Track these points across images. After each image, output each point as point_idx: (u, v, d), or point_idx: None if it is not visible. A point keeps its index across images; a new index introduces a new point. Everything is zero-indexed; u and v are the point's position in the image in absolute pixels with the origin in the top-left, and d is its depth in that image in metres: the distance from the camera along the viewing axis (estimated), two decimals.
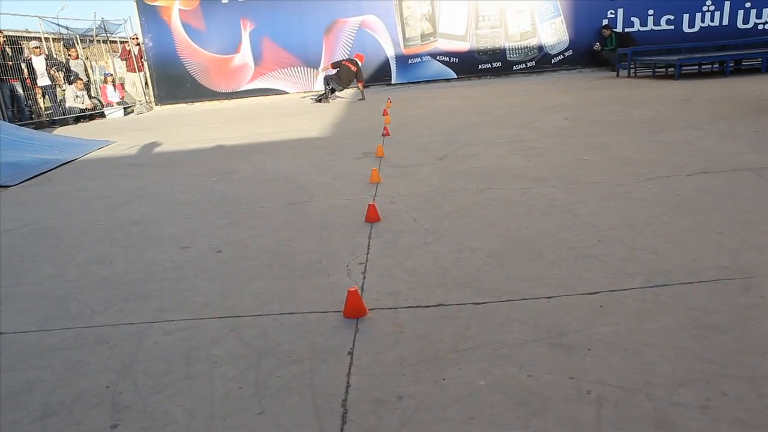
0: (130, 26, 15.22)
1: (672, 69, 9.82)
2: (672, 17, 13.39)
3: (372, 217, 2.74)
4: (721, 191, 2.83)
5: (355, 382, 1.46)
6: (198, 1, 12.92)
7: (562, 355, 1.49)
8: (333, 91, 10.69)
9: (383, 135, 5.41)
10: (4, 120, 10.09)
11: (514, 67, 13.59)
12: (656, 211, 2.60)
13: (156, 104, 13.45)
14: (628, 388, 1.32)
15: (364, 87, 10.98)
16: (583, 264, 2.06)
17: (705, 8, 13.39)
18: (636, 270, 1.97)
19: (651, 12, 13.39)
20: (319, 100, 10.56)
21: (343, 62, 10.76)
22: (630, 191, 2.94)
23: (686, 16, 13.43)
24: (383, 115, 7.10)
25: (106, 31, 21.29)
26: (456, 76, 13.55)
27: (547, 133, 4.89)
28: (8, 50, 10.50)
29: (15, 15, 12.15)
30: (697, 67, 10.60)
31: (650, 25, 13.46)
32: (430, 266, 2.16)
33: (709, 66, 10.62)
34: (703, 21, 13.48)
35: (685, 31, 13.45)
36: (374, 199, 3.13)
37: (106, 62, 22.52)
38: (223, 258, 2.47)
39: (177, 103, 13.37)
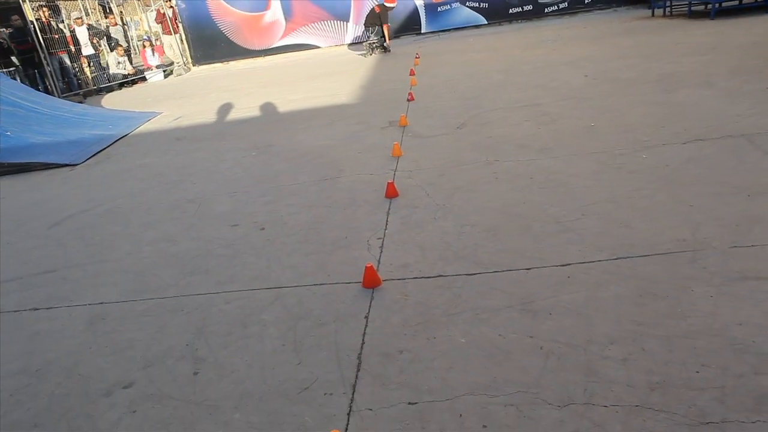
0: None
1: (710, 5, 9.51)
2: None
3: (391, 193, 3.18)
4: (707, 161, 3.11)
5: (368, 340, 1.94)
6: None
7: (528, 318, 1.93)
8: (373, 44, 10.93)
9: (408, 100, 5.74)
10: (56, 91, 10.79)
11: (546, 10, 13.32)
12: (641, 183, 2.93)
13: (193, 65, 13.91)
14: (572, 344, 1.76)
15: (390, 35, 11.07)
16: (563, 238, 2.46)
17: None
18: (606, 243, 2.36)
19: None
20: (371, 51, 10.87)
21: (373, 8, 11.00)
22: (624, 163, 3.25)
23: None
24: (410, 74, 7.36)
25: None
26: (486, 22, 13.41)
27: (563, 95, 5.12)
28: (53, 24, 11.04)
29: None
30: (738, 1, 10.19)
31: None
32: (436, 241, 2.60)
33: None
34: None
35: None
36: (394, 174, 3.55)
37: (140, 18, 22.95)
38: (266, 235, 2.97)
39: (213, 62, 13.80)
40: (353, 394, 1.68)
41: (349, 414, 1.61)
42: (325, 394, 1.71)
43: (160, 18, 13.79)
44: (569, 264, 2.24)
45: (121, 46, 12.38)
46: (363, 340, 1.95)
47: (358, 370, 1.78)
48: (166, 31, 13.71)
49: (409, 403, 1.61)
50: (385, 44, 10.97)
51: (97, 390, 1.91)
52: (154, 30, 14.56)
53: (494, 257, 2.38)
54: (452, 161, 3.67)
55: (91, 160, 5.53)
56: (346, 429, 1.56)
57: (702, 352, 1.65)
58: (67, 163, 5.44)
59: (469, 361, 1.75)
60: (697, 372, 1.58)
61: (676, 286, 1.99)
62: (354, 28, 13.37)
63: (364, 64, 9.62)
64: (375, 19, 10.81)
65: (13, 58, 10.55)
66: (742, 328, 1.73)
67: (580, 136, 3.86)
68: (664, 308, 1.88)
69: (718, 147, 3.31)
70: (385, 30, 10.87)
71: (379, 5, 10.84)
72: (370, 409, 1.61)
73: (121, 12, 22.54)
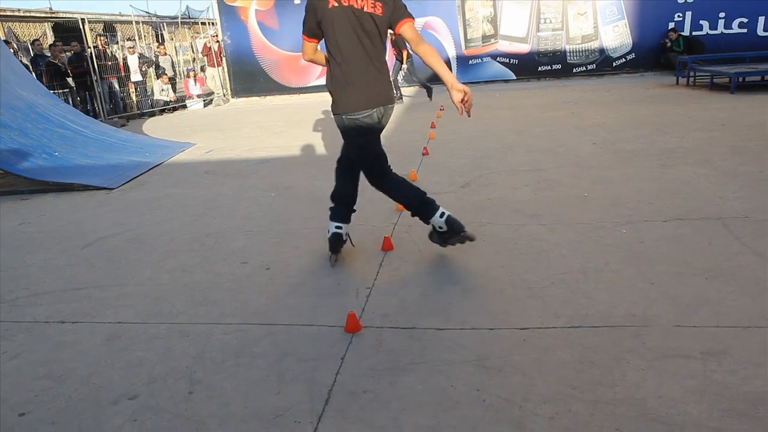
0: (211, 12, 16.56)
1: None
2: (745, 20, 13.07)
3: (387, 246, 3.51)
4: (679, 241, 3.38)
5: (340, 378, 2.25)
6: (273, 2, 13.94)
7: (480, 373, 2.22)
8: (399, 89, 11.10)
9: (423, 154, 6.12)
10: (103, 112, 11.56)
11: (574, 70, 13.78)
12: (613, 257, 3.20)
13: (232, 96, 14.68)
14: (511, 400, 2.04)
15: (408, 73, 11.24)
16: (529, 303, 2.75)
17: None
18: (565, 312, 2.64)
19: (722, 15, 13.13)
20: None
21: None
22: (603, 236, 3.53)
23: (761, 19, 13.06)
24: (431, 127, 7.78)
25: (190, 17, 22.90)
26: (515, 78, 13.91)
27: (567, 162, 5.43)
28: (108, 51, 11.90)
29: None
30: (760, 77, 10.43)
31: (721, 29, 13.21)
32: (417, 295, 2.91)
33: None
34: None
35: (759, 34, 13.10)
36: (394, 228, 3.89)
37: (189, 44, 24.20)
38: (270, 274, 3.32)
39: (251, 96, 14.55)
40: (318, 424, 1.99)
41: None
42: (294, 421, 2.01)
43: (206, 51, 14.67)
44: (528, 328, 2.52)
45: (166, 75, 13.20)
46: (335, 378, 2.25)
47: (326, 404, 2.09)
48: (210, 64, 14.57)
49: None
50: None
51: (106, 398, 2.25)
52: (199, 57, 15.48)
53: (464, 315, 2.67)
54: None
55: (126, 185, 6.02)
56: None
57: (619, 418, 1.91)
58: (105, 186, 5.94)
59: (420, 406, 2.04)
60: None
61: (615, 357, 2.26)
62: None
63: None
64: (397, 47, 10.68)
65: (69, 80, 11.38)
66: (660, 400, 1.98)
67: (571, 205, 4.16)
68: (598, 376, 2.14)
69: (694, 228, 3.57)
70: (404, 55, 10.79)
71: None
72: None
73: (172, 38, 23.92)
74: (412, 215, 3.29)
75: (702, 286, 2.81)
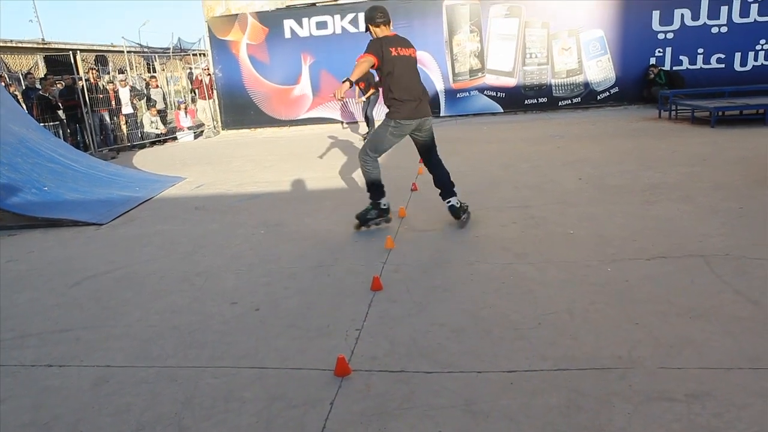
0: (203, 43, 16.82)
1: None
2: (723, 56, 13.46)
3: (376, 287, 3.54)
4: (663, 280, 3.44)
5: (329, 424, 2.26)
6: (264, 37, 14.17)
7: (467, 418, 2.23)
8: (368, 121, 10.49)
9: (411, 190, 6.20)
10: (93, 144, 11.59)
11: (560, 103, 14.04)
12: (599, 297, 3.26)
13: (222, 129, 14.78)
14: None
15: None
16: (517, 345, 2.78)
17: (758, 47, 13.38)
18: (552, 354, 2.67)
19: (700, 50, 13.51)
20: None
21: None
22: (589, 275, 3.59)
23: (738, 55, 13.46)
24: (419, 162, 7.87)
25: (181, 49, 23.20)
26: (502, 111, 14.14)
27: (554, 198, 5.53)
28: (100, 85, 12.01)
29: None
30: (738, 111, 10.69)
31: (700, 64, 13.58)
32: (406, 337, 2.93)
33: (754, 110, 10.63)
34: (756, 60, 13.47)
35: (736, 69, 13.49)
36: (383, 267, 3.93)
37: (180, 75, 24.44)
38: (260, 316, 3.33)
39: (241, 128, 14.66)
40: None
41: None
42: None
43: (197, 84, 14.82)
44: (515, 371, 2.55)
45: (154, 107, 13.28)
46: (324, 424, 2.26)
47: None
48: (201, 96, 14.71)
49: None
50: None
51: None
52: (189, 89, 15.67)
53: (453, 358, 2.70)
54: (437, 259, 4.05)
55: (116, 220, 6.02)
56: None
57: None
58: (95, 222, 5.94)
59: None
60: None
61: (601, 401, 2.29)
62: (378, 107, 14.19)
63: None
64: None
65: (60, 113, 11.44)
66: None
67: (557, 243, 4.23)
68: (585, 420, 2.17)
69: (677, 266, 3.64)
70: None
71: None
72: None
73: (163, 68, 24.19)
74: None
75: (685, 326, 2.86)
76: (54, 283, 4.24)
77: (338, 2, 14.06)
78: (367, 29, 4.66)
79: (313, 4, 14.14)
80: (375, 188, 4.79)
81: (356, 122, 14.02)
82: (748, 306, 3.04)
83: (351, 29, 13.85)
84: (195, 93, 14.98)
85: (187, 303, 3.62)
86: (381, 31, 4.58)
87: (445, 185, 4.82)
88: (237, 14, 14.11)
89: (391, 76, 4.45)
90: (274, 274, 4.01)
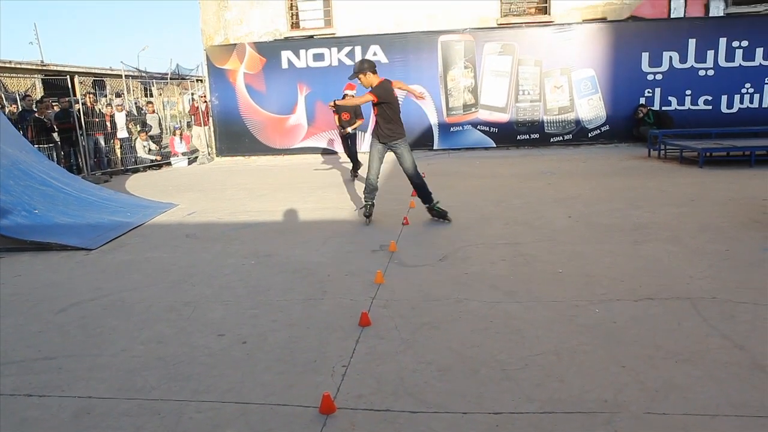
0: (200, 70, 17.01)
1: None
2: (710, 98, 13.78)
3: (364, 322, 3.53)
4: (650, 322, 3.46)
5: None
6: (261, 66, 14.36)
7: None
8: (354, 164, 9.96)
9: (403, 224, 6.23)
10: (86, 167, 11.59)
11: (552, 139, 14.25)
12: (586, 338, 3.27)
13: (217, 155, 14.84)
14: None
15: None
16: (504, 386, 2.77)
17: (744, 90, 13.73)
18: (538, 396, 2.67)
19: (688, 92, 13.84)
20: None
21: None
22: (577, 315, 3.61)
23: (725, 98, 13.80)
24: (412, 195, 7.94)
25: (179, 74, 23.45)
26: (495, 145, 14.32)
27: (543, 236, 5.57)
28: (96, 109, 12.07)
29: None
30: (725, 152, 10.88)
31: (688, 105, 13.89)
32: (392, 375, 2.92)
33: (740, 152, 10.83)
34: (742, 102, 13.81)
35: (723, 111, 13.80)
36: (371, 302, 3.93)
37: (177, 100, 24.64)
38: (246, 349, 3.31)
39: (235, 155, 14.73)
40: None
41: None
42: None
43: (194, 110, 14.94)
44: (500, 413, 2.54)
45: (145, 132, 13.27)
46: None
47: None
48: (197, 123, 14.80)
49: None
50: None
51: None
52: (186, 115, 15.76)
53: (439, 398, 2.68)
54: (426, 295, 4.05)
55: (106, 246, 6.00)
56: None
57: None
58: (84, 247, 5.91)
59: None
60: None
61: None
62: (371, 140, 14.31)
63: None
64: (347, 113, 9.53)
65: (55, 135, 11.46)
66: None
67: (546, 281, 4.25)
68: None
69: (664, 308, 3.66)
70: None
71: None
72: None
73: (160, 93, 24.39)
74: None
75: (671, 370, 2.87)
76: (39, 308, 4.20)
77: (335, 35, 14.33)
78: (357, 75, 6.04)
79: (311, 37, 14.40)
80: (428, 192, 6.34)
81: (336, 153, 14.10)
82: (734, 351, 3.06)
83: (347, 62, 14.07)
84: (191, 119, 15.08)
85: (174, 333, 3.59)
86: (376, 77, 6.01)
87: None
88: (235, 44, 14.33)
89: (395, 110, 6.08)
90: (262, 306, 3.99)
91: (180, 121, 17.64)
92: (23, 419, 2.69)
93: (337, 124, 10.20)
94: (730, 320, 3.45)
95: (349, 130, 9.76)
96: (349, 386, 2.82)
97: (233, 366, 3.11)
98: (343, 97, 8.98)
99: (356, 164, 10.07)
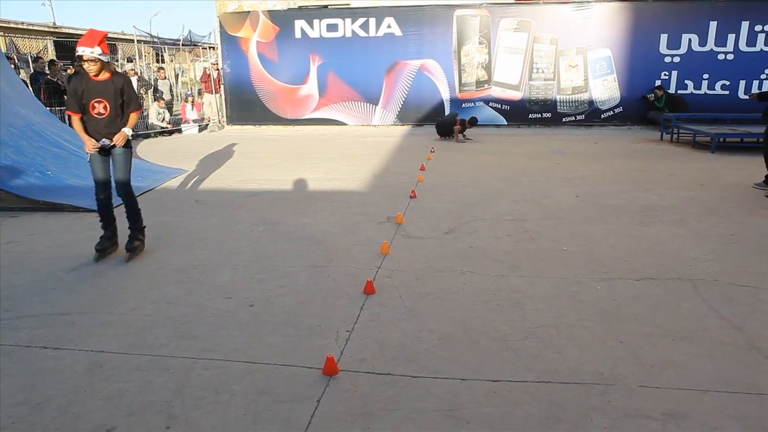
0: (212, 37, 16.92)
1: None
2: (727, 83, 13.57)
3: (369, 290, 3.61)
4: (650, 301, 3.51)
5: (314, 421, 2.32)
6: (274, 35, 14.26)
7: (448, 423, 2.30)
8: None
9: (410, 197, 6.27)
10: None
11: (564, 119, 14.14)
12: (586, 314, 3.32)
13: (227, 123, 14.85)
14: None
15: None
16: (503, 355, 2.84)
17: (763, 75, 13.50)
18: (536, 366, 2.74)
19: (706, 76, 13.63)
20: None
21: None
22: (578, 291, 3.66)
23: (743, 83, 13.58)
24: (420, 169, 7.96)
25: (191, 41, 23.28)
26: (506, 123, 14.24)
27: (550, 214, 5.60)
28: None
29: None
30: (739, 138, 10.76)
31: (704, 89, 13.70)
32: (395, 341, 3.00)
33: (755, 138, 10.68)
34: (760, 88, 13.56)
35: (740, 97, 13.58)
36: (377, 272, 3.99)
37: (189, 67, 24.55)
38: (253, 312, 3.39)
39: (246, 124, 14.74)
40: None
41: None
42: None
43: (205, 78, 14.90)
44: (499, 380, 2.61)
45: (163, 99, 13.36)
46: (310, 420, 2.32)
47: None
48: (208, 90, 14.78)
49: None
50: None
51: (84, 429, 2.30)
52: (197, 82, 15.74)
53: (439, 364, 2.76)
54: (431, 266, 4.11)
55: (117, 209, 6.06)
56: None
57: None
58: (96, 209, 5.98)
59: None
60: None
61: (580, 414, 2.35)
62: (382, 112, 14.29)
63: (383, 149, 10.30)
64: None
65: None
66: None
67: (549, 258, 4.29)
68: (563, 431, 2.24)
69: (665, 288, 3.71)
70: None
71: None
72: None
73: (172, 59, 24.28)
74: None
75: (668, 348, 2.93)
76: (52, 267, 4.30)
77: (350, 6, 14.18)
78: None
79: (325, 7, 14.24)
80: None
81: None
82: (731, 332, 3.11)
83: (361, 33, 13.96)
84: (202, 86, 15.06)
85: (183, 294, 3.68)
86: None
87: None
88: (249, 11, 14.22)
89: None
90: (269, 271, 4.07)
91: (191, 88, 17.62)
92: (39, 369, 2.79)
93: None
94: (729, 302, 3.49)
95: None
96: (352, 350, 2.91)
97: (240, 327, 3.20)
98: None
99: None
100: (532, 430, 2.26)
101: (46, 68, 11.86)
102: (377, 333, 3.09)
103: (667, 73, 13.69)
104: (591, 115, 14.03)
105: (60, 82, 11.27)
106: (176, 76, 19.67)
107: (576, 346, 2.94)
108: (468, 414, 2.36)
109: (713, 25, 13.18)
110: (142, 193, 6.70)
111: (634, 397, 2.48)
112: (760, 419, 2.31)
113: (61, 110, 10.98)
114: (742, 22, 13.06)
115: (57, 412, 2.42)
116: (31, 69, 12.15)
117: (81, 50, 3.99)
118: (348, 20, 13.98)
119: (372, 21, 13.90)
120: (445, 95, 14.25)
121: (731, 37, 13.19)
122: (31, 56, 16.05)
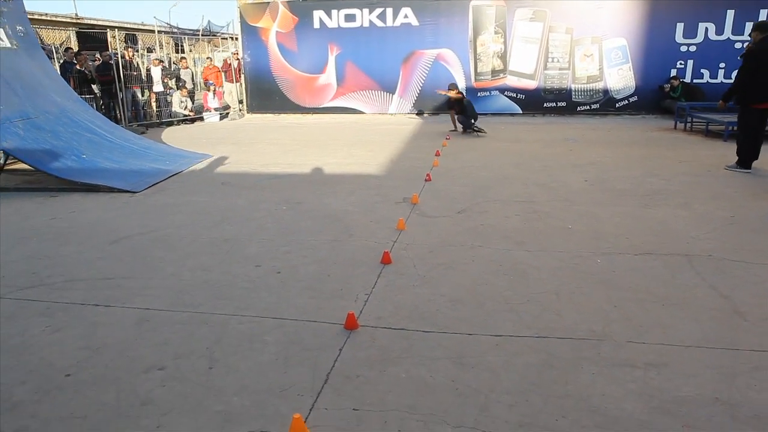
0: (231, 27, 17.27)
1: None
2: None
3: (386, 260, 3.93)
4: (646, 273, 3.78)
5: (337, 365, 2.66)
6: (293, 25, 14.57)
7: (456, 368, 2.62)
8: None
9: (425, 180, 6.57)
10: (124, 119, 12.10)
11: (578, 108, 14.27)
12: (585, 283, 3.61)
13: (248, 112, 15.24)
14: (479, 390, 2.44)
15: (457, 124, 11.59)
16: (506, 316, 3.15)
17: None
18: (536, 325, 3.04)
19: (722, 65, 13.65)
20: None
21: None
22: (580, 263, 3.95)
23: None
24: (435, 155, 8.25)
25: (210, 31, 23.67)
26: (521, 112, 14.42)
27: (558, 196, 5.87)
28: (135, 62, 12.49)
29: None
30: None
31: (720, 78, 13.71)
32: (408, 303, 3.32)
33: None
34: None
35: None
36: (393, 245, 4.32)
37: (209, 57, 25.03)
38: (281, 278, 3.74)
39: (266, 113, 15.11)
40: (317, 397, 2.39)
41: (311, 409, 2.32)
42: (298, 394, 2.42)
43: (226, 67, 15.28)
44: (501, 335, 2.93)
45: (186, 88, 13.78)
46: (334, 364, 2.66)
47: (325, 383, 2.49)
48: (229, 79, 15.16)
49: (353, 409, 2.31)
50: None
51: (138, 368, 2.67)
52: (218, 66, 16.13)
53: (449, 322, 3.08)
54: (443, 241, 4.43)
55: (148, 190, 6.48)
56: (306, 418, 2.26)
57: (566, 409, 2.31)
58: (129, 189, 6.40)
59: (403, 390, 2.44)
60: (556, 420, 2.24)
61: (572, 363, 2.66)
62: (399, 101, 14.56)
63: (400, 137, 10.59)
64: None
65: (94, 87, 11.96)
66: (603, 397, 2.38)
67: (555, 235, 4.58)
68: (555, 376, 2.55)
69: (662, 262, 3.98)
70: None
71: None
72: (326, 409, 2.32)
73: (191, 49, 24.75)
74: None
75: (658, 312, 3.21)
76: (94, 240, 4.69)
77: None
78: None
79: None
80: None
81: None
82: (718, 299, 3.38)
83: (378, 23, 14.21)
84: (224, 75, 15.44)
85: (216, 263, 4.04)
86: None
87: None
88: (268, 2, 14.53)
89: None
90: (293, 244, 4.42)
91: (195, 81, 17.97)
92: (95, 322, 3.17)
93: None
94: (721, 275, 3.75)
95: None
96: (370, 310, 3.24)
97: (269, 290, 3.55)
98: None
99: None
100: (528, 374, 2.57)
101: (74, 58, 12.33)
102: (393, 296, 3.42)
103: (683, 62, 13.72)
104: (606, 104, 14.14)
105: (87, 72, 11.71)
106: (194, 65, 20.09)
107: (573, 309, 3.24)
108: (473, 361, 2.67)
109: (730, 13, 13.17)
110: (170, 176, 7.10)
111: (622, 351, 2.78)
112: (731, 368, 2.60)
113: (89, 98, 11.45)
114: (761, 9, 13.04)
115: (115, 354, 2.79)
116: (55, 59, 12.62)
117: None
118: (366, 11, 14.23)
119: (389, 11, 14.14)
120: (461, 84, 14.42)
121: (749, 25, 13.15)
122: (55, 47, 16.56)
